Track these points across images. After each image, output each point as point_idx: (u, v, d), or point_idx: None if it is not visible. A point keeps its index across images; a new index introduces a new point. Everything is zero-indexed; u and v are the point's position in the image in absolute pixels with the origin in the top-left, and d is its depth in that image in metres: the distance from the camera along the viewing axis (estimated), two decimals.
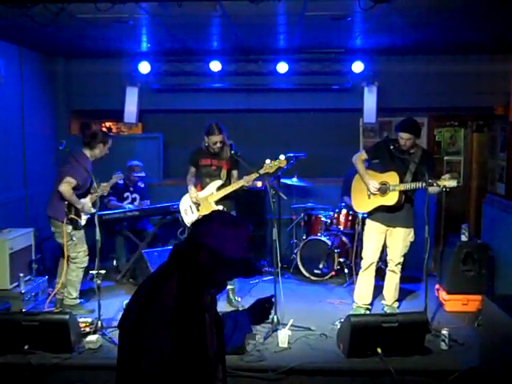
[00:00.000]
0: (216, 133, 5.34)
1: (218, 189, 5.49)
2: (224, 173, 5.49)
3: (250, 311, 2.34)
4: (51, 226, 5.45)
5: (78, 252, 5.41)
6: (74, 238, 5.34)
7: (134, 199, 6.95)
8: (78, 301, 5.52)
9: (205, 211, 5.46)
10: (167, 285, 1.97)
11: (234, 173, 5.55)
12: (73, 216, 5.28)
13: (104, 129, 8.18)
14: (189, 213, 5.62)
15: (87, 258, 5.51)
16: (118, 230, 6.72)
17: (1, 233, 5.56)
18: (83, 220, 5.40)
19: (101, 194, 5.44)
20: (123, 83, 7.28)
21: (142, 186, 7.09)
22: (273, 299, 2.35)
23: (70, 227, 5.31)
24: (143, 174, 6.96)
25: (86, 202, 5.41)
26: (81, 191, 5.35)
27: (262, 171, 5.26)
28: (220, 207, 5.43)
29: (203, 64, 7.14)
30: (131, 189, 6.96)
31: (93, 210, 5.39)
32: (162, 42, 6.46)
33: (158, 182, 7.72)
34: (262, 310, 2.32)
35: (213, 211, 2.24)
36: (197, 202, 5.54)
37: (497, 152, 7.36)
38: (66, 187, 5.19)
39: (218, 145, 5.38)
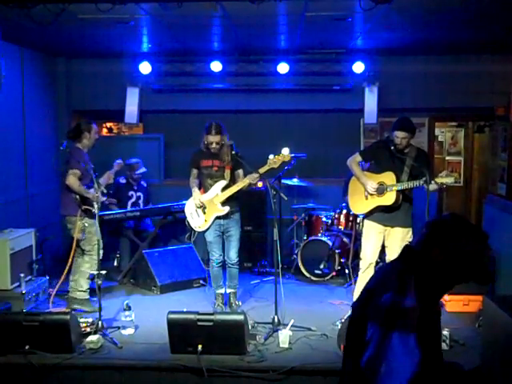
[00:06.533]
0: (212, 133, 5.22)
1: (223, 189, 5.36)
2: (228, 173, 5.36)
3: None
4: (67, 225, 5.49)
5: (93, 245, 5.45)
6: (89, 230, 5.40)
7: (138, 197, 6.96)
8: (87, 296, 5.57)
9: (211, 213, 5.39)
10: (407, 291, 1.97)
11: (240, 172, 5.41)
12: (86, 207, 5.30)
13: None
14: (195, 216, 5.48)
15: (102, 250, 5.53)
16: (121, 230, 6.72)
17: (2, 233, 5.56)
18: (96, 209, 5.41)
19: (106, 183, 5.54)
20: (124, 83, 7.29)
21: (145, 185, 7.09)
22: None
23: (86, 218, 5.35)
24: (144, 170, 6.95)
25: (94, 191, 5.45)
26: (84, 182, 5.39)
27: (266, 167, 5.16)
28: (226, 208, 5.35)
29: (204, 64, 7.14)
30: (135, 187, 6.96)
31: (103, 199, 5.50)
32: (162, 42, 6.47)
33: (159, 182, 7.72)
34: None
35: (450, 215, 2.18)
36: (202, 205, 5.43)
37: (498, 152, 7.36)
38: (72, 179, 5.25)
39: (214, 145, 5.25)
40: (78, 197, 5.30)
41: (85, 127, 5.51)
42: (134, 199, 6.92)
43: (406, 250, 2.14)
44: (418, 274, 2.01)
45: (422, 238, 2.09)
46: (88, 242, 5.44)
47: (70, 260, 5.50)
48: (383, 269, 2.26)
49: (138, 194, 6.97)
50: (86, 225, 5.38)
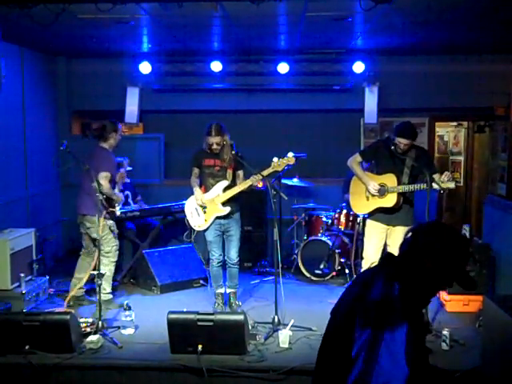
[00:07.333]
0: (212, 134, 5.22)
1: (224, 190, 5.35)
2: (230, 173, 5.36)
3: None
4: (85, 223, 5.46)
5: (111, 246, 5.46)
6: (112, 230, 5.43)
7: (126, 196, 6.92)
8: (111, 296, 5.60)
9: (211, 213, 5.38)
10: (391, 298, 1.97)
11: (240, 173, 5.42)
12: (111, 209, 5.32)
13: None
14: (194, 215, 5.47)
15: (117, 252, 5.59)
16: (121, 230, 6.69)
17: (2, 233, 5.56)
18: (117, 211, 5.47)
19: (121, 182, 5.72)
20: (124, 83, 7.30)
21: (129, 181, 7.00)
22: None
23: (111, 221, 5.35)
24: (129, 168, 6.89)
25: (117, 192, 5.54)
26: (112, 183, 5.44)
27: (270, 169, 5.12)
28: (227, 209, 5.34)
29: (204, 64, 7.15)
30: (122, 187, 6.92)
31: (123, 199, 5.55)
32: (162, 42, 6.47)
33: (159, 182, 7.73)
34: None
35: (434, 223, 2.21)
36: (203, 205, 5.42)
37: (498, 152, 7.36)
38: (105, 182, 5.24)
39: (215, 146, 5.25)
40: (104, 198, 5.17)
41: (111, 128, 5.52)
42: (123, 200, 6.87)
43: (389, 258, 2.14)
44: (404, 283, 2.01)
45: (407, 247, 2.09)
46: (107, 243, 5.42)
47: (95, 260, 5.32)
48: (363, 277, 2.23)
49: (126, 192, 6.91)
50: (109, 226, 5.38)
